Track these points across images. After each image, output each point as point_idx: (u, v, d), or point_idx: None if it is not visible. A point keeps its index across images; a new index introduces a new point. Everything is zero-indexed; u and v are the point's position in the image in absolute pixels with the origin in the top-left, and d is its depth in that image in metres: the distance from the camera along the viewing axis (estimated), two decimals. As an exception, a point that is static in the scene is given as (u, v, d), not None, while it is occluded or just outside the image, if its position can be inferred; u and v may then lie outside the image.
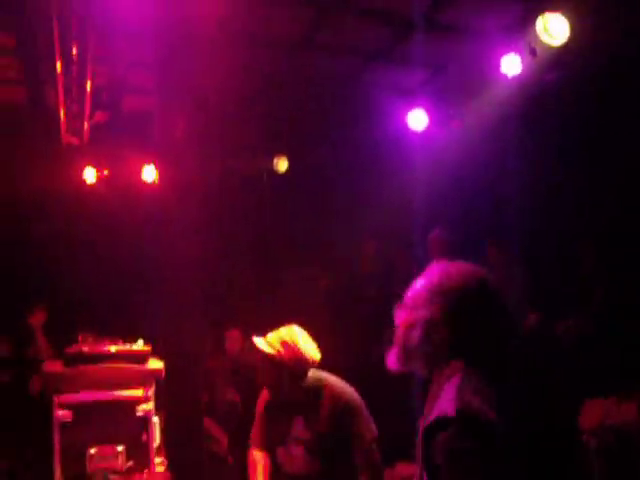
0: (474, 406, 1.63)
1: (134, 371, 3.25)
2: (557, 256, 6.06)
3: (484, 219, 6.56)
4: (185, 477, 3.67)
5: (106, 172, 7.31)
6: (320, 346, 3.26)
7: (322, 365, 3.29)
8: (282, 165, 7.97)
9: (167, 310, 4.73)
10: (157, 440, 3.29)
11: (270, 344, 3.16)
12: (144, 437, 3.20)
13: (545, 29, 4.79)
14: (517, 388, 1.78)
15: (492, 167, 6.52)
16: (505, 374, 1.79)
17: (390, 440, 3.42)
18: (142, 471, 3.17)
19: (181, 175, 4.78)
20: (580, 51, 5.14)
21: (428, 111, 6.63)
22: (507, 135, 6.22)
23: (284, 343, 3.15)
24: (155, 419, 3.27)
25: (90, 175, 7.27)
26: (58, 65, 5.24)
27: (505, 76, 5.50)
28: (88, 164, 7.23)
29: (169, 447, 3.57)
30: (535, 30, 4.86)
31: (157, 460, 3.31)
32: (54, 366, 3.28)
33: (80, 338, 3.49)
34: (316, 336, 3.29)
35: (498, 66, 5.50)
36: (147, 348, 3.37)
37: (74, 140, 6.21)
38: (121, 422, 3.18)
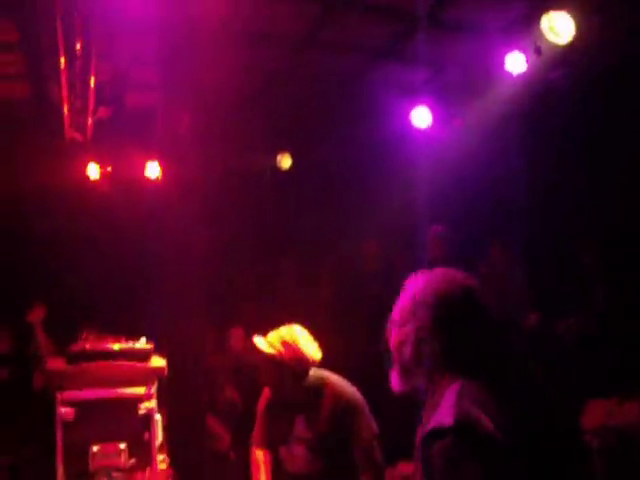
0: (472, 415, 1.63)
1: (137, 369, 3.25)
2: (558, 255, 6.06)
3: (486, 218, 6.56)
4: (187, 475, 3.67)
5: (109, 168, 7.31)
6: (322, 345, 3.26)
7: (324, 364, 3.29)
8: (285, 162, 7.97)
9: (169, 307, 4.74)
10: (159, 438, 3.29)
11: (271, 344, 3.16)
12: (146, 435, 3.21)
13: (551, 27, 4.78)
14: (517, 389, 1.78)
15: (495, 166, 6.51)
16: (504, 376, 1.79)
17: (392, 439, 3.42)
18: (144, 469, 3.18)
19: (184, 172, 4.79)
20: (585, 50, 5.13)
21: (432, 109, 6.62)
22: (510, 134, 6.22)
23: (285, 343, 3.15)
24: (157, 417, 3.27)
25: (93, 171, 7.27)
26: (62, 61, 5.23)
27: (509, 74, 5.49)
28: (91, 160, 7.22)
29: (171, 445, 3.57)
30: (540, 28, 4.85)
31: (159, 458, 3.31)
32: (57, 363, 3.28)
33: (83, 335, 3.49)
34: (318, 335, 3.29)
35: (502, 64, 5.49)
36: (150, 346, 3.37)
37: (77, 136, 6.20)
38: (124, 420, 3.19)
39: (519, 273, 6.31)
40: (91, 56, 5.25)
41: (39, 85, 6.46)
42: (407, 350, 1.85)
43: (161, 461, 3.35)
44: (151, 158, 7.23)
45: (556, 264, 6.01)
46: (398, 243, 7.12)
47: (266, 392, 3.35)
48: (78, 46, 5.11)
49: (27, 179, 7.14)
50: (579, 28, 4.80)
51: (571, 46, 4.90)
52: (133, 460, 3.16)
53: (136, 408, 3.20)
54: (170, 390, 3.86)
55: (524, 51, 5.31)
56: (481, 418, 1.62)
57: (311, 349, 3.19)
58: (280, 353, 3.13)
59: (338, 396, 3.15)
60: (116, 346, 3.31)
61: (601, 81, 5.70)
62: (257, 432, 3.36)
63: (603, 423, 4.36)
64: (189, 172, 4.79)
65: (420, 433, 1.73)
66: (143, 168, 7.37)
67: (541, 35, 4.90)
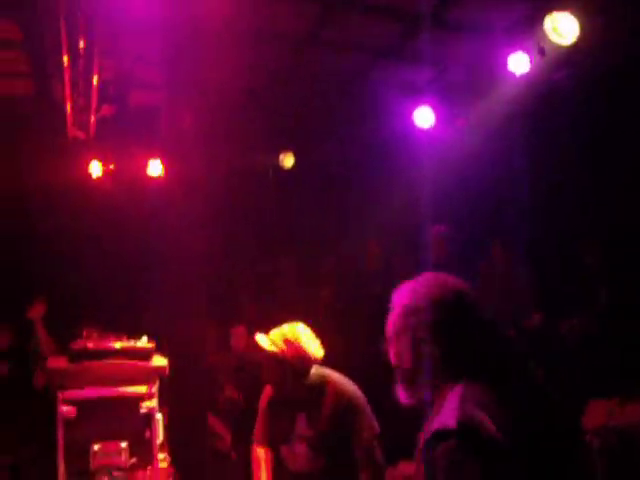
0: (475, 418, 1.63)
1: (138, 368, 3.25)
2: (562, 255, 6.05)
3: (489, 218, 6.56)
4: (188, 474, 3.67)
5: (112, 166, 7.31)
6: (322, 344, 3.26)
7: (325, 363, 3.30)
8: (288, 161, 7.97)
9: (171, 305, 4.74)
10: (160, 437, 3.29)
11: (273, 342, 3.17)
12: (147, 434, 3.20)
13: (554, 28, 4.77)
14: (518, 389, 1.78)
15: (498, 166, 6.51)
16: (504, 378, 1.79)
17: (393, 438, 3.43)
18: (145, 468, 3.18)
19: (187, 170, 4.79)
20: (589, 50, 5.12)
21: (434, 109, 6.62)
22: (514, 134, 6.21)
23: (287, 341, 3.15)
24: (158, 416, 3.27)
25: (96, 169, 7.27)
26: (65, 59, 5.23)
27: (512, 74, 5.48)
28: (94, 158, 7.23)
29: (172, 444, 3.57)
30: (544, 29, 4.84)
31: (160, 457, 3.31)
32: (58, 362, 3.28)
33: (85, 334, 3.49)
34: (318, 334, 3.29)
35: (505, 64, 5.48)
36: (151, 345, 3.37)
37: (80, 134, 6.22)
38: (125, 419, 3.18)
39: (521, 273, 6.31)
40: (94, 55, 5.26)
41: (42, 83, 6.47)
42: (406, 359, 1.86)
43: (162, 460, 3.35)
44: (154, 156, 7.24)
45: (559, 264, 6.01)
46: (400, 243, 7.12)
47: (267, 390, 3.36)
48: (81, 45, 5.12)
49: (30, 177, 7.15)
50: (583, 29, 4.79)
51: (575, 47, 4.89)
52: (134, 459, 3.15)
53: (137, 407, 3.19)
54: (171, 389, 3.86)
55: (527, 51, 5.30)
56: (484, 420, 1.62)
57: (313, 347, 3.19)
58: (282, 351, 3.13)
59: (340, 394, 3.16)
60: (118, 345, 3.30)
61: (604, 82, 5.69)
62: (258, 430, 3.37)
63: (604, 423, 4.36)
64: (192, 171, 4.79)
65: (423, 435, 1.73)
66: (145, 166, 7.37)
67: (545, 36, 4.89)
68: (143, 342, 3.39)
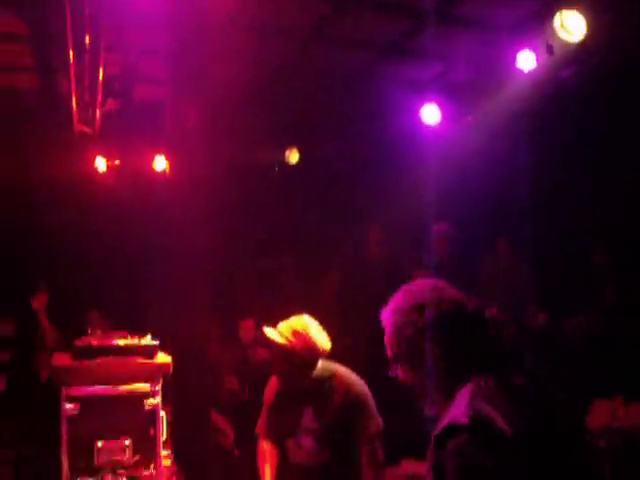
0: (486, 414, 1.64)
1: (142, 365, 3.25)
2: (567, 254, 6.04)
3: (494, 216, 6.54)
4: (192, 471, 3.68)
5: (117, 161, 7.31)
6: (330, 337, 3.27)
7: (332, 357, 3.30)
8: (294, 157, 7.95)
9: (174, 301, 4.74)
10: (164, 434, 3.30)
11: (281, 334, 3.17)
12: (151, 431, 3.21)
13: (562, 25, 4.74)
14: (522, 387, 1.78)
15: (504, 164, 6.48)
16: (508, 376, 1.79)
17: (396, 437, 3.43)
18: (149, 465, 3.18)
19: (191, 166, 4.78)
20: (596, 48, 5.08)
21: (441, 106, 6.59)
22: (520, 132, 6.18)
23: (295, 332, 3.15)
24: (162, 413, 3.28)
25: (101, 164, 7.27)
26: (70, 54, 5.22)
27: (519, 72, 5.46)
28: (99, 153, 7.22)
29: (176, 441, 3.58)
30: (552, 27, 4.81)
31: (164, 454, 3.32)
32: (63, 359, 3.28)
33: (89, 331, 3.50)
34: (326, 327, 3.29)
35: (512, 62, 5.46)
36: (155, 342, 3.37)
37: (86, 129, 6.21)
38: (129, 416, 3.19)
39: (525, 269, 6.30)
40: (100, 49, 5.24)
41: (48, 77, 6.47)
42: (412, 374, 1.89)
43: (165, 456, 3.36)
44: (159, 152, 7.23)
45: (565, 263, 6.00)
46: (405, 240, 7.10)
47: (273, 383, 3.36)
48: (87, 39, 5.11)
49: (35, 171, 7.15)
50: (590, 26, 4.77)
51: (582, 44, 4.87)
52: (138, 456, 3.16)
53: (141, 404, 3.20)
54: (175, 385, 3.86)
55: (534, 49, 5.27)
56: (494, 416, 1.63)
57: (321, 339, 3.20)
58: (291, 343, 3.13)
59: (348, 388, 3.17)
60: (122, 342, 3.30)
61: (611, 80, 5.66)
62: (263, 423, 3.37)
63: (607, 424, 4.36)
64: (196, 166, 4.77)
65: (433, 434, 1.73)
66: (150, 161, 7.37)
67: (553, 33, 4.87)
68: (147, 339, 3.39)
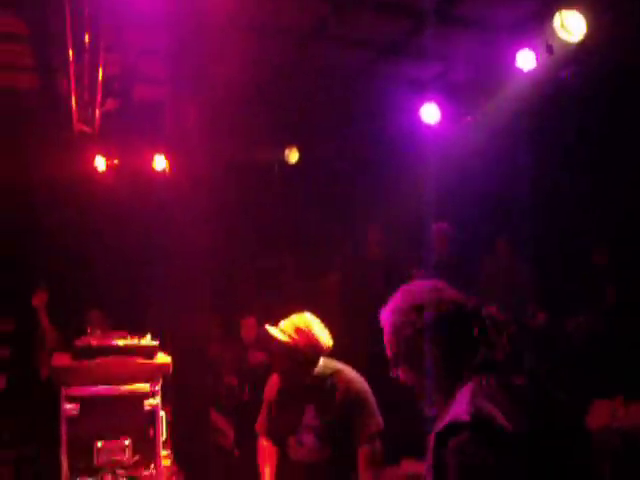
0: (487, 411, 1.64)
1: (142, 365, 3.25)
2: (567, 253, 6.04)
3: (494, 215, 6.54)
4: (192, 470, 3.68)
5: (116, 161, 7.31)
6: (331, 334, 3.27)
7: (332, 354, 3.30)
8: (293, 156, 7.95)
9: (174, 300, 4.74)
10: (164, 434, 3.30)
11: (284, 331, 3.17)
12: (151, 431, 3.21)
13: (562, 25, 4.74)
14: (525, 387, 1.78)
15: (504, 163, 6.48)
16: (508, 375, 1.79)
17: (396, 437, 3.43)
18: (149, 465, 3.18)
19: (191, 165, 4.78)
20: (596, 48, 5.09)
21: (441, 106, 6.59)
22: (520, 131, 6.18)
23: (298, 329, 3.16)
24: (162, 413, 3.28)
25: (100, 163, 7.27)
26: (70, 53, 5.22)
27: (518, 72, 5.47)
28: (99, 152, 7.22)
29: (176, 440, 3.58)
30: (552, 26, 4.81)
31: (163, 453, 3.32)
32: (62, 359, 3.28)
33: (88, 331, 3.50)
34: (327, 325, 3.30)
35: (512, 61, 5.46)
36: (155, 343, 3.37)
37: (85, 128, 6.21)
38: (128, 416, 3.18)
39: (525, 269, 6.30)
40: (99, 49, 5.24)
41: (48, 77, 6.47)
42: (411, 374, 1.89)
43: (165, 456, 3.36)
44: (158, 151, 7.23)
45: (565, 262, 6.00)
46: (404, 239, 7.10)
47: (273, 381, 3.36)
48: (86, 39, 5.11)
49: (35, 171, 7.15)
50: (590, 26, 4.77)
51: (582, 44, 4.87)
52: (137, 456, 3.16)
53: (141, 404, 3.20)
54: (175, 385, 3.86)
55: (534, 49, 5.27)
56: (496, 414, 1.63)
57: (324, 336, 3.20)
58: (294, 340, 3.14)
59: (349, 385, 3.18)
60: (121, 342, 3.30)
61: (611, 79, 5.66)
62: (263, 421, 3.38)
63: (607, 424, 4.36)
64: (196, 165, 4.78)
65: (433, 433, 1.73)
66: (150, 161, 7.36)
67: (553, 33, 4.87)
68: (147, 340, 3.39)
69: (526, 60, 5.37)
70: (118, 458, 3.13)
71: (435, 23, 5.41)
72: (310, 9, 5.62)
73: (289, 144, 7.95)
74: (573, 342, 5.49)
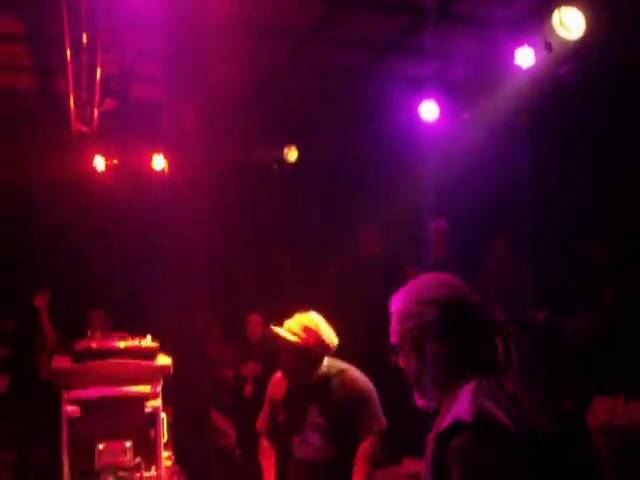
0: (490, 411, 1.64)
1: (143, 367, 3.25)
2: (566, 253, 6.04)
3: (492, 213, 6.54)
4: (193, 471, 3.68)
5: (115, 161, 7.30)
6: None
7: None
8: (292, 155, 7.95)
9: (174, 300, 4.73)
10: (165, 436, 3.30)
11: (293, 332, 3.16)
12: (152, 433, 3.20)
13: (561, 23, 4.74)
14: (526, 388, 1.78)
15: (502, 160, 6.48)
16: (508, 375, 1.79)
17: (396, 437, 3.43)
18: (150, 467, 3.18)
19: (190, 165, 4.77)
20: (595, 45, 5.08)
21: (439, 103, 6.58)
22: (517, 129, 6.18)
23: (307, 329, 3.16)
24: (163, 415, 3.28)
25: (99, 163, 7.27)
26: (68, 53, 5.21)
27: (517, 69, 5.46)
28: (97, 152, 7.22)
29: (177, 441, 3.58)
30: (551, 24, 4.81)
31: (165, 455, 3.32)
32: (63, 362, 3.28)
33: (89, 334, 3.50)
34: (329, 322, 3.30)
35: (511, 59, 5.45)
36: (155, 344, 3.36)
37: (84, 128, 6.19)
38: (129, 418, 3.18)
39: (525, 267, 6.30)
40: (97, 49, 5.23)
41: (46, 78, 6.46)
42: (412, 365, 1.87)
43: (166, 458, 3.36)
44: (157, 151, 7.22)
45: (565, 261, 6.00)
46: (403, 238, 7.10)
47: (277, 380, 3.36)
48: (84, 39, 5.09)
49: (34, 171, 7.15)
50: (589, 23, 4.76)
51: (581, 41, 4.86)
52: (139, 458, 3.16)
53: (142, 406, 3.19)
54: (175, 385, 3.86)
55: (533, 46, 5.27)
56: (498, 414, 1.62)
57: (330, 334, 3.21)
58: (303, 339, 3.13)
59: (353, 384, 3.18)
60: (122, 344, 3.29)
61: (610, 76, 5.66)
62: (265, 419, 3.38)
63: (607, 422, 4.36)
64: (195, 165, 4.77)
65: (433, 433, 1.73)
66: (149, 161, 7.36)
67: (551, 30, 4.86)
68: (147, 341, 3.38)
69: (525, 57, 5.37)
70: (119, 460, 3.13)
71: (433, 21, 5.40)
72: (308, 9, 5.60)
73: (288, 144, 7.94)
74: (573, 342, 5.49)
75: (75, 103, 5.89)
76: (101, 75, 5.52)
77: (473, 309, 1.86)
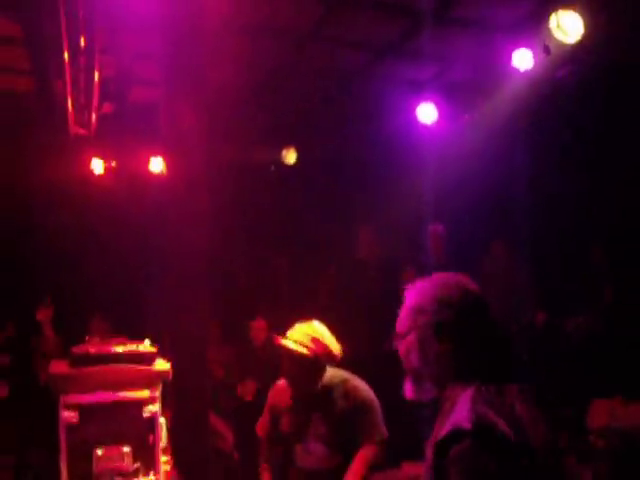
0: (489, 419, 1.64)
1: (141, 372, 3.22)
2: (565, 254, 6.04)
3: (491, 215, 6.54)
4: (191, 474, 3.67)
5: (113, 163, 7.30)
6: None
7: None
8: (291, 157, 7.94)
9: (173, 302, 4.72)
10: (164, 441, 3.28)
11: (300, 342, 3.15)
12: (151, 438, 3.19)
13: (559, 26, 4.74)
14: (523, 391, 1.78)
15: (500, 163, 6.48)
16: (510, 380, 1.79)
17: (396, 440, 3.43)
18: (148, 472, 3.17)
19: (188, 167, 4.76)
20: (593, 47, 5.08)
21: (438, 106, 6.59)
22: (516, 131, 6.19)
23: (314, 339, 3.16)
24: (162, 420, 3.26)
25: (97, 166, 7.26)
26: (65, 56, 5.20)
27: (515, 72, 5.47)
28: (95, 155, 7.22)
29: (175, 445, 3.56)
30: (548, 27, 4.81)
31: (163, 459, 3.30)
32: (60, 367, 3.26)
33: (86, 338, 3.48)
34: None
35: (508, 62, 5.46)
36: (154, 349, 3.35)
37: (82, 131, 6.19)
38: (128, 423, 3.16)
39: (523, 269, 6.30)
40: (95, 51, 5.22)
41: (44, 80, 6.44)
42: (413, 358, 1.87)
43: (164, 462, 3.34)
44: (155, 153, 7.22)
45: (563, 263, 6.00)
46: (402, 240, 7.10)
47: (279, 388, 3.35)
48: (82, 42, 5.09)
49: (32, 174, 7.14)
50: (586, 25, 4.76)
51: (578, 43, 4.86)
52: (137, 463, 3.14)
53: (140, 411, 3.17)
54: (174, 388, 3.85)
55: (531, 48, 5.27)
56: (498, 421, 1.63)
57: (335, 343, 3.21)
58: (312, 350, 3.13)
59: (355, 394, 3.18)
60: (120, 349, 3.27)
61: (607, 78, 5.66)
62: (265, 426, 3.37)
63: (607, 424, 4.36)
64: (193, 167, 4.76)
65: (432, 440, 1.72)
66: (147, 163, 7.36)
67: (549, 34, 4.86)
68: (146, 346, 3.37)
69: (523, 60, 5.37)
70: (118, 465, 3.10)
71: (432, 23, 5.40)
72: (306, 10, 5.60)
73: (286, 145, 7.94)
74: (572, 342, 5.50)
75: (73, 106, 5.89)
76: (99, 78, 5.52)
77: (484, 314, 1.86)
